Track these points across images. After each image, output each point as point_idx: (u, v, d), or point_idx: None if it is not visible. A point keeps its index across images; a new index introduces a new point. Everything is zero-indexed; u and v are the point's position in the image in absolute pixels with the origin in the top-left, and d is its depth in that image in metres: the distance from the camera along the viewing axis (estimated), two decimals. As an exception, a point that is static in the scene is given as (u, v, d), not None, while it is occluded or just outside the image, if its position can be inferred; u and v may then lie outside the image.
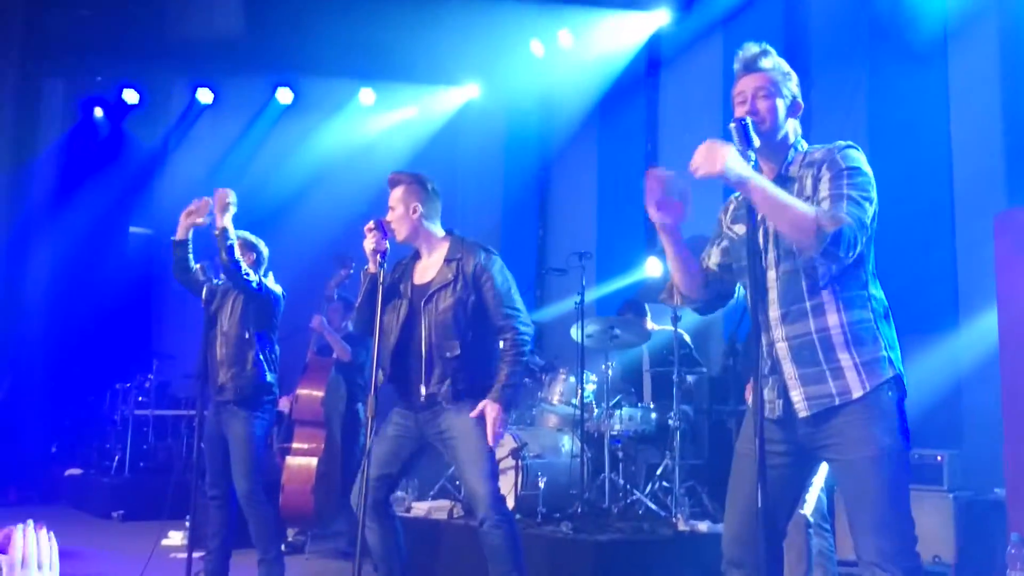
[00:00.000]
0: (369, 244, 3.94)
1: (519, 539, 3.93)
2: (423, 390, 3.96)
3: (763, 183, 2.55)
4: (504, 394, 3.92)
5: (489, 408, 3.87)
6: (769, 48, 2.78)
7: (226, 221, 4.94)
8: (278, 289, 5.29)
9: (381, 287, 3.88)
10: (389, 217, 4.08)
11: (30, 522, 1.67)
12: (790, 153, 2.76)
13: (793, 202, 2.55)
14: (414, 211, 4.09)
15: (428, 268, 4.11)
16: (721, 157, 2.49)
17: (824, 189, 2.61)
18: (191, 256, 5.16)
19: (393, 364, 4.05)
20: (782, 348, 2.69)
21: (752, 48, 2.77)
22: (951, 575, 4.81)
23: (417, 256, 4.18)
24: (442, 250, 4.11)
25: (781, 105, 2.73)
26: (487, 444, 3.87)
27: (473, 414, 3.88)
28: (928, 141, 6.35)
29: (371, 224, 3.95)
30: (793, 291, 2.68)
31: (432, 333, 3.97)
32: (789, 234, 2.59)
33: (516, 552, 3.88)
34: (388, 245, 3.94)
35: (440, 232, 4.16)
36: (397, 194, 4.12)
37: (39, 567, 1.60)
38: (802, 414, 2.65)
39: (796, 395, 2.66)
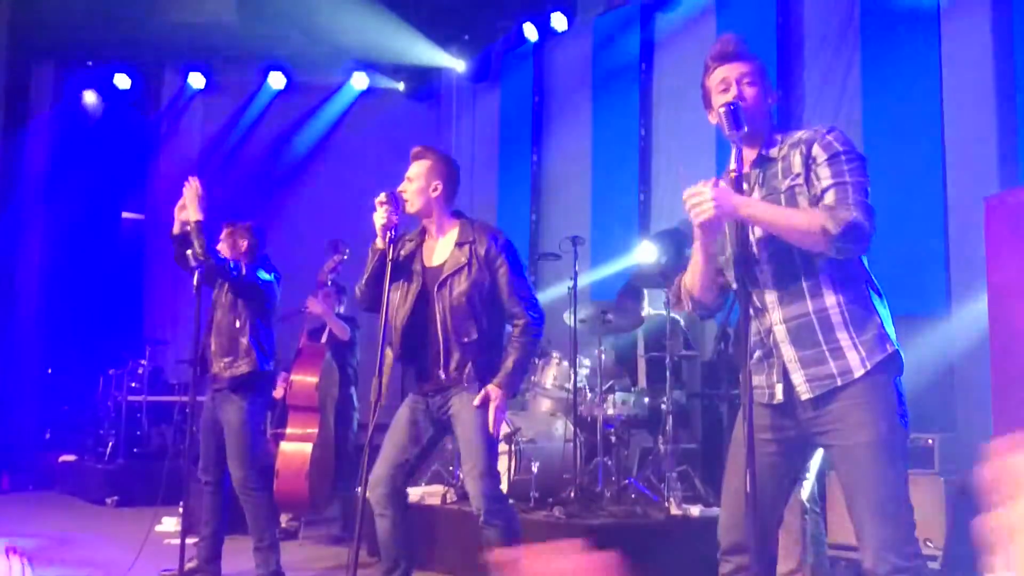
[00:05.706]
0: (380, 218, 3.80)
1: (517, 532, 3.87)
2: (441, 375, 3.88)
3: (761, 209, 2.61)
4: (509, 380, 3.87)
5: (493, 394, 3.82)
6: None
7: (198, 214, 4.90)
8: (267, 275, 5.26)
9: (390, 264, 3.79)
10: (405, 187, 3.93)
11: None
12: (770, 136, 2.78)
13: (794, 216, 2.59)
14: (435, 189, 3.96)
15: (438, 250, 4.00)
16: (715, 199, 2.52)
17: (824, 176, 2.63)
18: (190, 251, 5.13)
19: (403, 345, 3.95)
20: (780, 331, 2.69)
21: (731, 39, 2.82)
22: (941, 558, 4.82)
23: (423, 235, 4.06)
24: (452, 232, 4.00)
25: (764, 92, 2.79)
26: (489, 435, 3.82)
27: (476, 402, 3.81)
28: (920, 124, 6.34)
29: (383, 196, 3.80)
30: (787, 272, 2.69)
31: (448, 317, 3.86)
32: (799, 245, 2.62)
33: (513, 545, 3.83)
34: (397, 219, 3.81)
35: (450, 214, 4.06)
36: (420, 168, 3.97)
37: None
38: (805, 396, 2.65)
39: (797, 378, 2.66)
